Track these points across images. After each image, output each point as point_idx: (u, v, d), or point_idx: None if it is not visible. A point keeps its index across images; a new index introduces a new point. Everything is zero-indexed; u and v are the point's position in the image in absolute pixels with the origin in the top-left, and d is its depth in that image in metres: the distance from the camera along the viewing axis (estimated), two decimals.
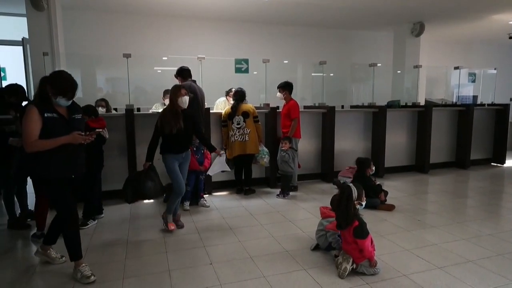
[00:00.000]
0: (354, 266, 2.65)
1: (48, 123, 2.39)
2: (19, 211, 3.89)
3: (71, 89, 2.47)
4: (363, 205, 2.80)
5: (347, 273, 2.61)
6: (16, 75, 6.02)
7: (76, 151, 2.55)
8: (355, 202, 2.70)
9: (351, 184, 2.79)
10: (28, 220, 3.79)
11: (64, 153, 2.45)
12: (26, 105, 2.42)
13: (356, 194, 2.71)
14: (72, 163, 2.55)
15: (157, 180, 3.53)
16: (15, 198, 3.85)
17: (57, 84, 2.43)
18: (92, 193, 3.79)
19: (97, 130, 2.61)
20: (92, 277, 2.58)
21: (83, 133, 2.48)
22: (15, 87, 3.71)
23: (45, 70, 4.86)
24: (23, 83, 5.46)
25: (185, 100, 3.48)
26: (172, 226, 3.58)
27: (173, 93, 3.48)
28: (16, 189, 3.82)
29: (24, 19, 5.13)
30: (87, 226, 3.68)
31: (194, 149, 4.32)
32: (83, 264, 2.63)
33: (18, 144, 3.47)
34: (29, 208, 3.92)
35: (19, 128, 3.31)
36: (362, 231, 2.62)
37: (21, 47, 5.81)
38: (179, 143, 3.50)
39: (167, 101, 5.43)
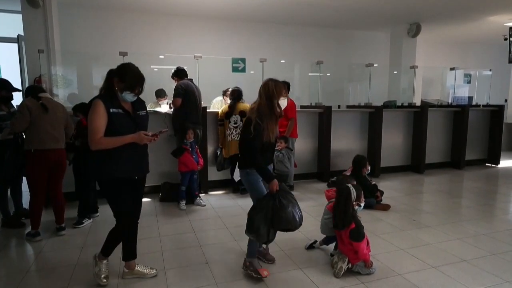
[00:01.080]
0: (350, 265, 2.66)
1: (113, 119, 2.25)
2: (14, 210, 3.86)
3: (139, 84, 2.31)
4: (362, 207, 2.80)
5: (342, 272, 2.62)
6: (11, 73, 5.98)
7: (142, 150, 2.43)
8: (354, 203, 2.70)
9: (350, 185, 2.77)
10: (23, 218, 3.76)
11: (130, 152, 2.33)
12: (91, 100, 2.28)
13: (355, 195, 2.70)
14: (137, 163, 2.42)
15: (292, 197, 2.60)
16: (10, 197, 3.83)
17: (125, 78, 2.26)
18: (87, 192, 3.77)
19: (163, 130, 2.43)
20: (104, 281, 2.51)
21: (149, 133, 2.32)
22: (2, 81, 3.65)
23: (40, 68, 4.84)
24: (18, 81, 5.43)
25: (285, 103, 2.61)
26: (265, 272, 2.60)
27: (277, 90, 2.51)
28: (11, 187, 3.79)
29: (20, 16, 5.10)
30: (82, 225, 3.67)
31: (190, 149, 4.31)
32: (106, 261, 2.58)
33: (12, 130, 3.42)
34: (23, 207, 3.89)
35: (14, 125, 3.28)
36: (358, 234, 2.61)
37: (16, 44, 5.76)
38: (267, 155, 2.62)
39: (161, 102, 5.42)
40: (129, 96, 2.31)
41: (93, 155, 2.32)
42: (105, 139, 2.23)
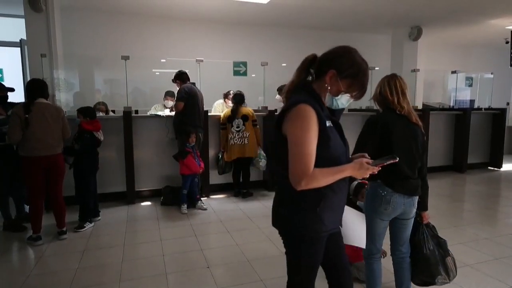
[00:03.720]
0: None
1: (329, 139, 1.40)
2: (15, 213, 3.86)
3: (367, 80, 1.48)
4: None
5: None
6: (13, 77, 6.00)
7: (346, 186, 1.56)
8: (350, 197, 2.68)
9: (355, 182, 2.77)
10: (24, 222, 3.74)
11: (344, 192, 1.53)
12: (292, 104, 1.38)
13: (352, 190, 2.70)
14: (343, 207, 1.58)
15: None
16: (13, 201, 3.83)
17: (351, 72, 1.42)
18: (88, 195, 3.77)
19: (393, 161, 1.49)
20: None
21: (370, 160, 1.46)
22: None
23: (42, 72, 4.85)
24: (20, 85, 5.45)
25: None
26: None
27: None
28: (13, 190, 3.79)
29: (22, 20, 5.12)
30: (84, 229, 3.66)
31: (192, 152, 4.32)
32: None
33: (9, 142, 3.39)
34: (25, 210, 3.89)
35: (10, 137, 3.21)
36: None
37: (19, 49, 5.79)
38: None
39: (168, 103, 5.44)
40: (344, 100, 1.47)
41: (291, 197, 1.44)
42: (321, 172, 1.35)
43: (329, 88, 1.43)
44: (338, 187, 1.45)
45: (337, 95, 1.44)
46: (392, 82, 2.09)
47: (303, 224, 1.43)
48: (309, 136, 1.33)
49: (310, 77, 1.51)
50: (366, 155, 1.50)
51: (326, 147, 1.38)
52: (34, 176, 3.23)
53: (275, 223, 1.55)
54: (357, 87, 1.45)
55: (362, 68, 1.44)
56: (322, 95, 1.46)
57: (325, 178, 1.37)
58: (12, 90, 3.70)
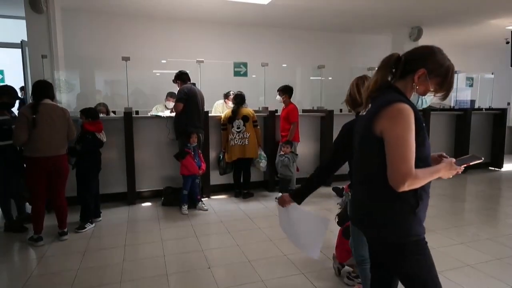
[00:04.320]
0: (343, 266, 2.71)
1: (425, 138, 1.39)
2: (17, 214, 3.86)
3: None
4: None
5: (338, 273, 2.69)
6: (14, 78, 6.02)
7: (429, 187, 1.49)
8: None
9: None
10: (25, 223, 3.75)
11: (429, 191, 1.47)
12: (388, 102, 1.33)
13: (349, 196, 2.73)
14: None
15: None
16: (14, 201, 3.83)
17: (440, 69, 1.39)
18: (89, 196, 3.77)
19: (478, 161, 1.50)
20: None
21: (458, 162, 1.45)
22: (5, 87, 3.66)
23: (43, 73, 4.86)
24: (21, 86, 5.46)
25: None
26: None
27: None
28: (13, 191, 3.79)
29: (23, 22, 5.13)
30: (84, 230, 3.67)
31: (192, 153, 4.32)
32: None
33: (15, 144, 3.42)
34: (26, 211, 3.90)
35: (15, 138, 3.23)
36: (348, 232, 2.62)
37: (19, 50, 5.80)
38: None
39: (169, 104, 5.45)
40: (428, 100, 1.50)
41: (389, 202, 1.39)
42: (422, 172, 1.32)
43: (417, 87, 1.41)
44: (428, 187, 1.44)
45: (424, 95, 1.44)
46: (360, 83, 2.06)
47: (405, 229, 1.39)
48: (411, 136, 1.30)
49: (390, 77, 1.48)
50: (444, 153, 1.52)
51: (423, 147, 1.36)
52: (37, 177, 3.24)
53: (368, 228, 1.50)
54: (447, 86, 1.43)
55: (451, 68, 1.41)
56: (406, 94, 1.43)
57: (425, 178, 1.35)
58: (21, 99, 3.72)
